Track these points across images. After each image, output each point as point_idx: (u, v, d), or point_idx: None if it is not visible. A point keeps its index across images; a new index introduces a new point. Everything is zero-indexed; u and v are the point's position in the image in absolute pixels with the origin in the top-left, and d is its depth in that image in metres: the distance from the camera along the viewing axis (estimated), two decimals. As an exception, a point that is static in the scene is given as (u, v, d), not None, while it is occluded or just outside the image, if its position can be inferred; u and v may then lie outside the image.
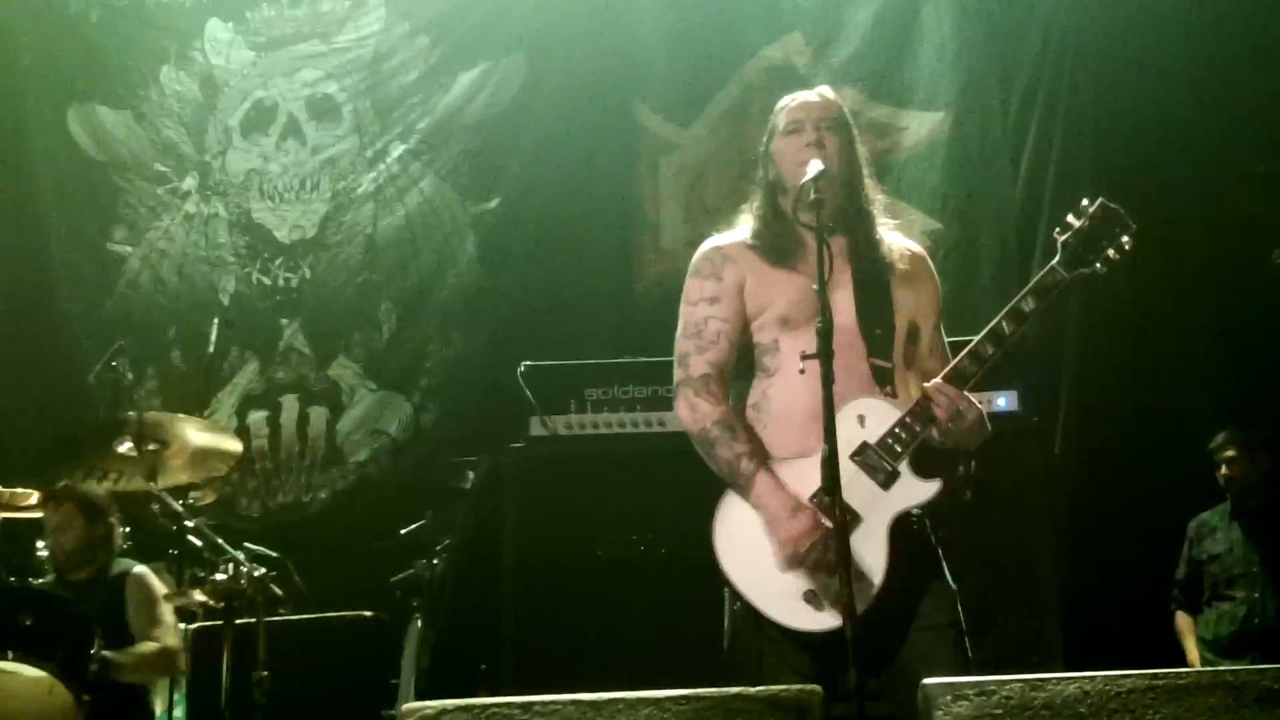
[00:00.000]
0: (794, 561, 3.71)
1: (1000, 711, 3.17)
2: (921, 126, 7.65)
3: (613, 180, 8.02)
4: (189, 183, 8.36)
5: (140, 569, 5.88)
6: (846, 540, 3.44)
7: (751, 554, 3.77)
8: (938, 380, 3.76)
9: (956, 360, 3.78)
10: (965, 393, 3.75)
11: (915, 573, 3.77)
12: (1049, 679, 3.23)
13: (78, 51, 8.56)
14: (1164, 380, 6.99)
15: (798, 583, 3.71)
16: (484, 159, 8.19)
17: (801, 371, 3.78)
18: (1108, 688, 3.19)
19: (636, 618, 5.46)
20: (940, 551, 3.88)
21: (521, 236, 8.03)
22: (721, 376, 3.96)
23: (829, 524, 3.63)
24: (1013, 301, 3.78)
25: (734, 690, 3.34)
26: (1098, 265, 3.80)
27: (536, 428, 5.73)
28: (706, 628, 4.97)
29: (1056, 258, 3.80)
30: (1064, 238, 3.81)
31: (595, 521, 5.61)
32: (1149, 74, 7.25)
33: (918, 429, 3.75)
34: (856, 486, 3.68)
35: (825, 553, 3.64)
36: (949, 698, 3.20)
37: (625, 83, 8.10)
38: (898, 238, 4.06)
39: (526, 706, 3.32)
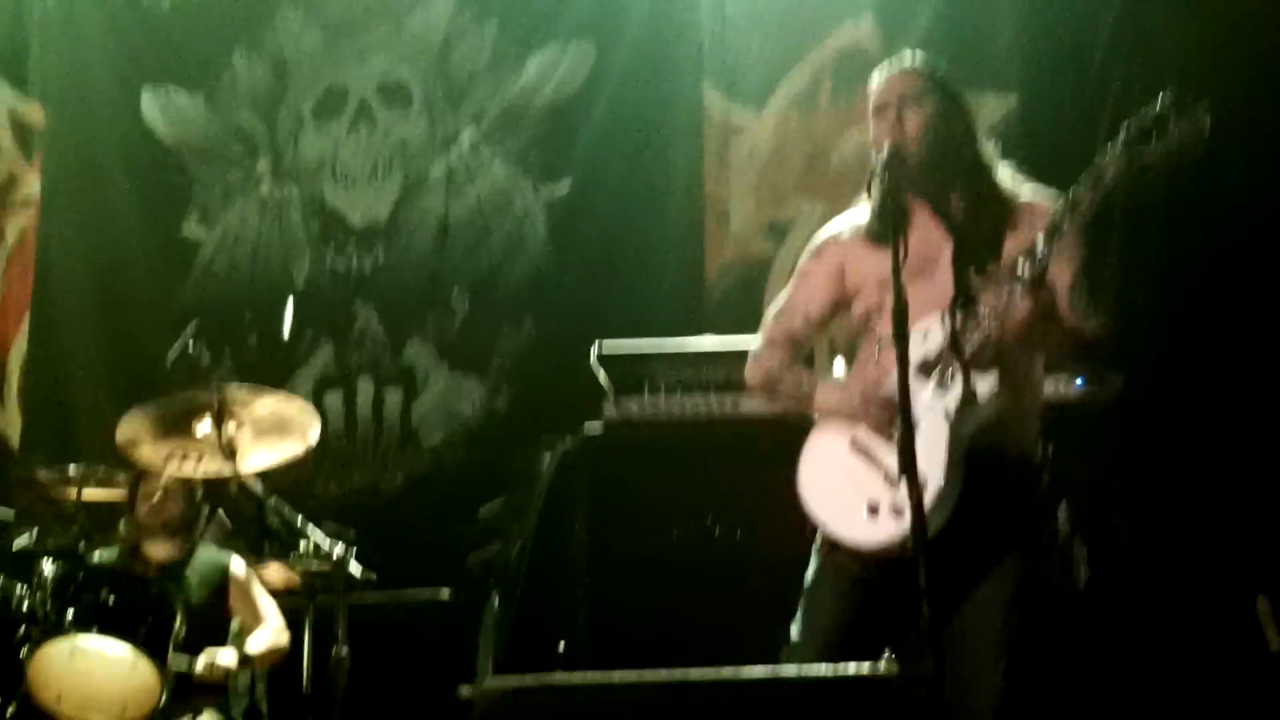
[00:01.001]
0: (878, 423, 3.84)
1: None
2: (994, 110, 7.60)
3: (683, 164, 8.00)
4: (262, 167, 8.41)
5: (239, 562, 5.96)
6: (922, 511, 3.46)
7: (823, 478, 3.95)
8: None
9: (1015, 259, 3.78)
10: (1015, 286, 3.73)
11: (992, 519, 3.81)
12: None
13: (150, 36, 8.62)
14: (1246, 362, 6.90)
15: (862, 497, 3.83)
16: (554, 143, 8.19)
17: (878, 356, 3.87)
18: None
19: (710, 601, 5.47)
20: (1045, 513, 3.92)
21: (592, 220, 8.03)
22: (790, 343, 4.18)
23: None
24: (1069, 195, 3.75)
25: (810, 669, 3.38)
26: (1163, 149, 3.69)
27: (610, 410, 5.75)
28: (779, 612, 5.00)
29: (1117, 145, 3.73)
30: (1130, 124, 3.74)
31: (669, 504, 5.63)
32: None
33: (972, 330, 3.79)
34: (916, 394, 3.71)
35: (884, 407, 3.80)
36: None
37: (694, 66, 8.08)
38: (1030, 192, 4.05)
39: (601, 684, 3.36)
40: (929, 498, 3.67)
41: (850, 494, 3.85)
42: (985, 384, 3.80)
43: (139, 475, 5.95)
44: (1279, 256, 6.67)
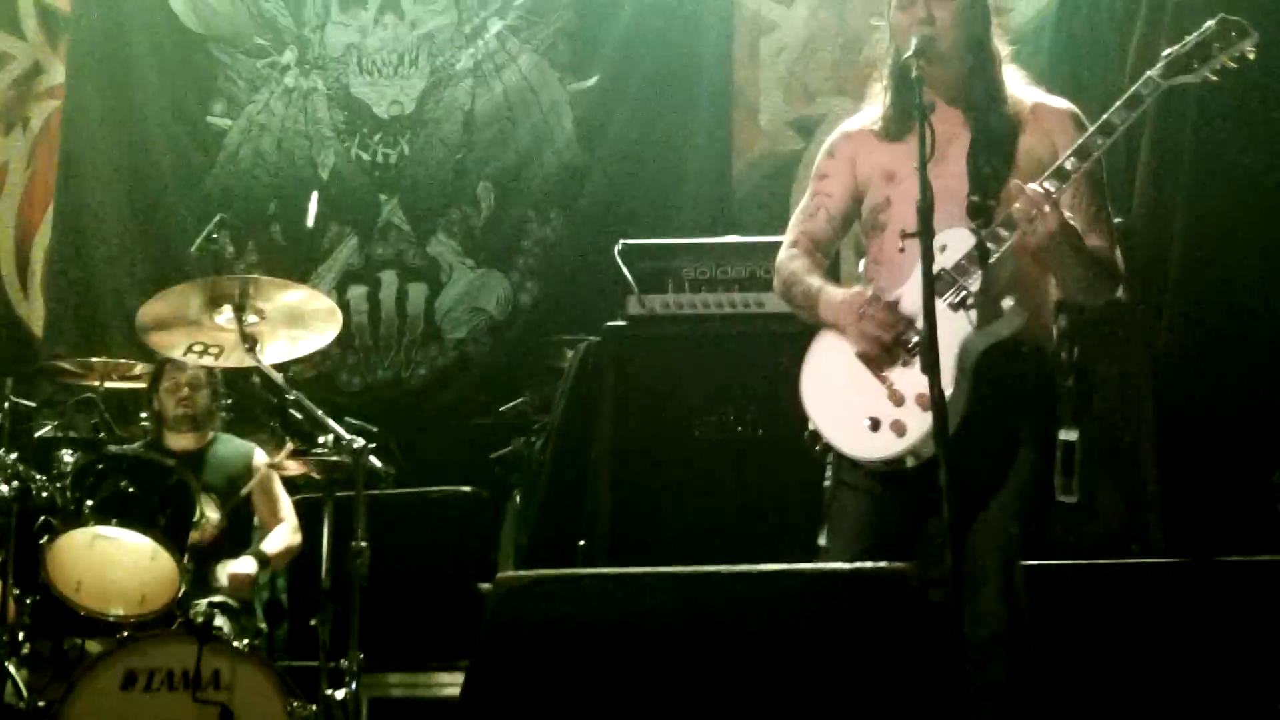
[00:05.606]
0: (861, 339, 3.80)
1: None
2: (1028, 8, 7.48)
3: (711, 59, 7.93)
4: (288, 56, 8.34)
5: (262, 455, 5.97)
6: (944, 414, 3.42)
7: (826, 386, 3.90)
8: (1017, 182, 3.71)
9: (1042, 177, 3.72)
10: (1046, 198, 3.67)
11: (1001, 431, 3.77)
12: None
13: (176, -77, 8.54)
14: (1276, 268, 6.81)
15: (864, 410, 3.78)
16: (581, 37, 8.12)
17: (901, 250, 3.83)
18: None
19: (733, 498, 5.46)
20: (1048, 419, 3.88)
21: (619, 115, 7.97)
22: (813, 243, 4.11)
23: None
24: (1105, 115, 3.73)
25: (827, 566, 3.36)
26: (1203, 74, 3.71)
27: (633, 306, 5.70)
28: (803, 508, 4.98)
29: (1155, 68, 3.73)
30: (1171, 51, 3.74)
31: (692, 401, 5.59)
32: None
33: (990, 246, 3.74)
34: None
35: (879, 321, 3.76)
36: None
37: (725, -43, 7.98)
38: (1039, 94, 4.03)
39: (620, 579, 3.35)
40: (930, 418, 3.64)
41: (852, 406, 3.82)
42: (1002, 304, 3.76)
43: (163, 365, 5.94)
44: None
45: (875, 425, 3.76)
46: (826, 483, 3.96)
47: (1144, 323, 5.79)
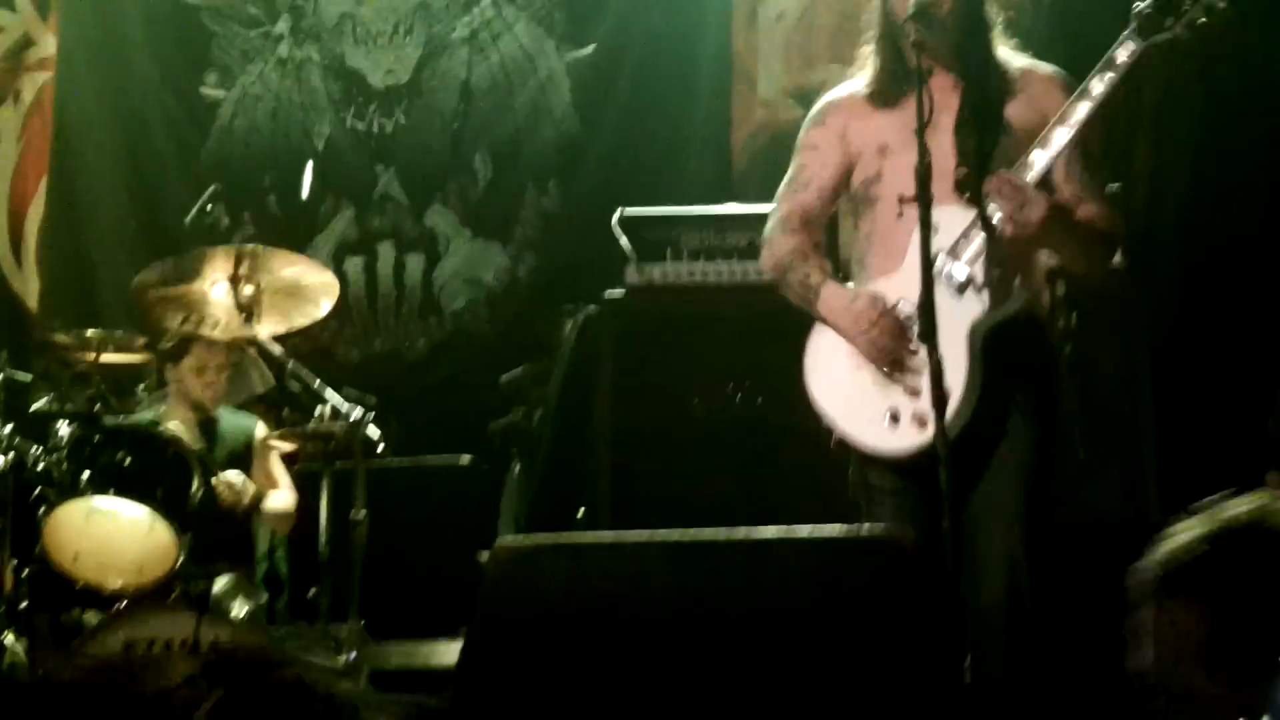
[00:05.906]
0: (871, 349, 3.77)
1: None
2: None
3: (710, 27, 7.85)
4: (281, 26, 8.27)
5: (263, 428, 5.96)
6: (942, 381, 3.41)
7: (838, 381, 3.86)
8: (1002, 171, 3.70)
9: (1025, 152, 3.72)
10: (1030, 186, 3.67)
11: (1003, 403, 3.77)
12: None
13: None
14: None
15: (882, 404, 3.76)
16: (579, 4, 8.05)
17: (900, 215, 3.82)
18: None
19: (732, 468, 5.45)
20: (1047, 388, 3.86)
21: (618, 84, 7.90)
22: (806, 218, 4.07)
23: (888, 303, 3.78)
24: (1083, 84, 3.71)
25: (825, 530, 3.36)
26: (1178, 29, 3.66)
27: (632, 276, 5.69)
28: (801, 481, 4.98)
29: (1129, 29, 3.69)
30: (1141, 6, 3.69)
31: (691, 371, 5.58)
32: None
33: (985, 229, 3.72)
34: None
35: (890, 332, 3.73)
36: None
37: (722, -76, 7.93)
38: (1027, 60, 4.00)
39: (618, 546, 3.35)
40: (953, 406, 3.62)
41: (868, 400, 3.81)
42: (1009, 283, 3.75)
43: (190, 343, 5.85)
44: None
45: (895, 419, 3.75)
46: (851, 486, 3.93)
47: (1142, 290, 5.78)
